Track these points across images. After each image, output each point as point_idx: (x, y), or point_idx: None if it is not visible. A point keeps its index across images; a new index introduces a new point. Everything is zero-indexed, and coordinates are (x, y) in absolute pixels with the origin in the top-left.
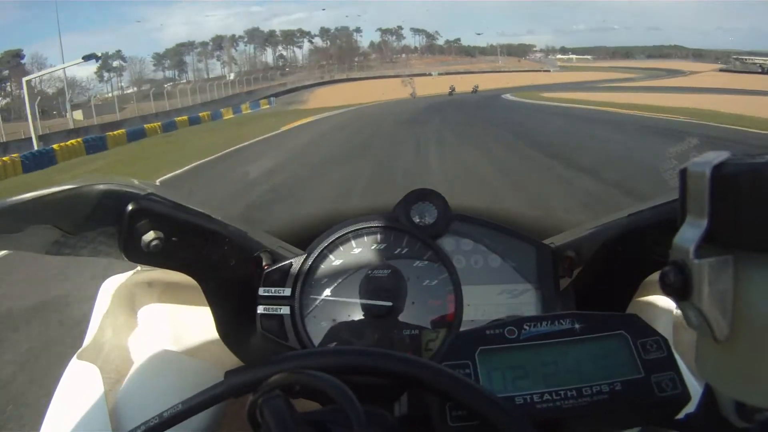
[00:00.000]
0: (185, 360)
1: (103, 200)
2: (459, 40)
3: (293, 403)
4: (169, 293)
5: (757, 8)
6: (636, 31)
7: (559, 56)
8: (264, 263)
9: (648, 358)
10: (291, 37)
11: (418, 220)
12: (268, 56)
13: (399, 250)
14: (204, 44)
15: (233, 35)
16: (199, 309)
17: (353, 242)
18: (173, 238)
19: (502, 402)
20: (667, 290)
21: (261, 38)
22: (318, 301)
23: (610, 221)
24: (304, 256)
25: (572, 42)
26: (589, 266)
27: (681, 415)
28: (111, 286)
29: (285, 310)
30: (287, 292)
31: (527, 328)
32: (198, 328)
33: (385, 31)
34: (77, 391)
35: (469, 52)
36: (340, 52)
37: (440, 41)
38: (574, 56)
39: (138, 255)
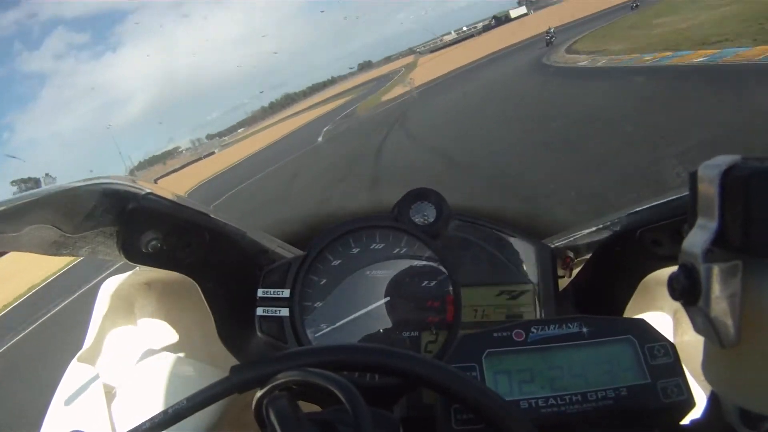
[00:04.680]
0: (184, 361)
1: (102, 200)
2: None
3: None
4: (168, 294)
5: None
6: (269, 92)
7: (205, 142)
8: (263, 263)
9: (654, 363)
10: None
11: (417, 220)
12: None
13: (398, 250)
14: None
15: None
16: (199, 310)
17: (352, 242)
18: (172, 239)
19: (511, 407)
20: (675, 294)
21: None
22: (317, 303)
23: (610, 220)
24: (303, 257)
25: (218, 127)
26: (589, 266)
27: (686, 422)
28: (110, 287)
29: (284, 311)
30: (286, 293)
31: (535, 331)
32: (197, 329)
33: None
34: (77, 393)
35: None
36: None
37: None
38: (231, 136)
39: (137, 255)
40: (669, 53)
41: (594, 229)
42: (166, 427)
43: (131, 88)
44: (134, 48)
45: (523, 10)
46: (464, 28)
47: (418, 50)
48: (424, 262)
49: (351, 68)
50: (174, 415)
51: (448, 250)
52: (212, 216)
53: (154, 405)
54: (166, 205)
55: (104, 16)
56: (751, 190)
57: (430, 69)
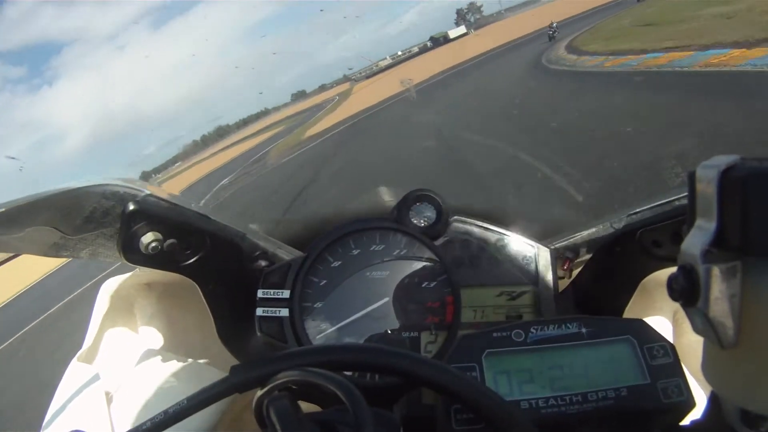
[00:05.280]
0: (184, 362)
1: (102, 201)
2: None
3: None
4: (168, 295)
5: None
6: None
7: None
8: (263, 265)
9: (654, 363)
10: None
11: (417, 221)
12: None
13: (397, 251)
14: None
15: None
16: (199, 311)
17: (352, 244)
18: (172, 240)
19: (511, 407)
20: (674, 295)
21: None
22: (317, 304)
23: (609, 221)
24: (303, 258)
25: (158, 161)
26: (588, 267)
27: (686, 422)
28: (110, 287)
29: (284, 312)
30: (286, 294)
31: (534, 331)
32: (197, 330)
33: None
34: (77, 393)
35: None
36: None
37: None
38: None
39: (137, 257)
40: (671, 56)
41: (594, 229)
42: (166, 427)
43: (66, 123)
44: (70, 81)
45: (462, 29)
46: (399, 53)
47: (353, 77)
48: (424, 263)
49: (286, 101)
50: (174, 415)
51: (448, 251)
52: (212, 218)
53: (154, 405)
54: (166, 207)
55: (38, 49)
56: (749, 190)
57: (426, 69)
